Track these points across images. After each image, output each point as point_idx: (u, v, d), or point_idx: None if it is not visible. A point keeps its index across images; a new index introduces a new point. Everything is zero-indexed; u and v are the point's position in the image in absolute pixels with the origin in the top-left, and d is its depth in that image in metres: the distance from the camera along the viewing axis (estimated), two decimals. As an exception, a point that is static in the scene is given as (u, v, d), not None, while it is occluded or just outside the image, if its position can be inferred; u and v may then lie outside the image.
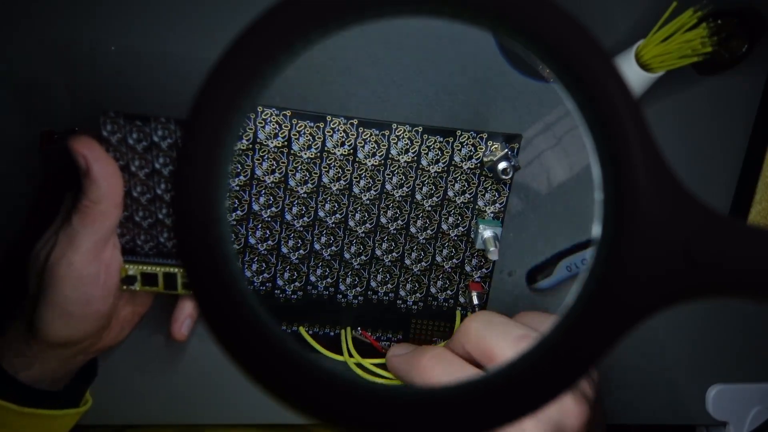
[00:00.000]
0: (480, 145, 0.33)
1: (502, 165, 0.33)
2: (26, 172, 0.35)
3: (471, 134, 0.33)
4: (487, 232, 0.34)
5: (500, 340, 0.28)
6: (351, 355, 0.36)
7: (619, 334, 0.14)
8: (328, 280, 0.35)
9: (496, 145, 0.33)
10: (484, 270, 0.36)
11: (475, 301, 0.36)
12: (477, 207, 0.34)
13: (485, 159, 0.33)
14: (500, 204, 0.35)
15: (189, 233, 0.14)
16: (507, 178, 0.33)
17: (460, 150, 0.33)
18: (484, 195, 0.34)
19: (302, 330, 0.36)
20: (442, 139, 0.33)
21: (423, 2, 0.14)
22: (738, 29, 0.36)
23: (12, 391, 0.32)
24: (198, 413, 0.41)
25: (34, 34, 0.34)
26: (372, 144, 0.33)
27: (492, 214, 0.35)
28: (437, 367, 0.30)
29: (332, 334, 0.36)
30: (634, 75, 0.33)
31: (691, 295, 0.15)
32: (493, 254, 0.34)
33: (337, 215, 0.34)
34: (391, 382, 0.35)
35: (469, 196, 0.34)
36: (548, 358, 0.14)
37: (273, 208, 0.34)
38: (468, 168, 0.34)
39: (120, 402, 0.39)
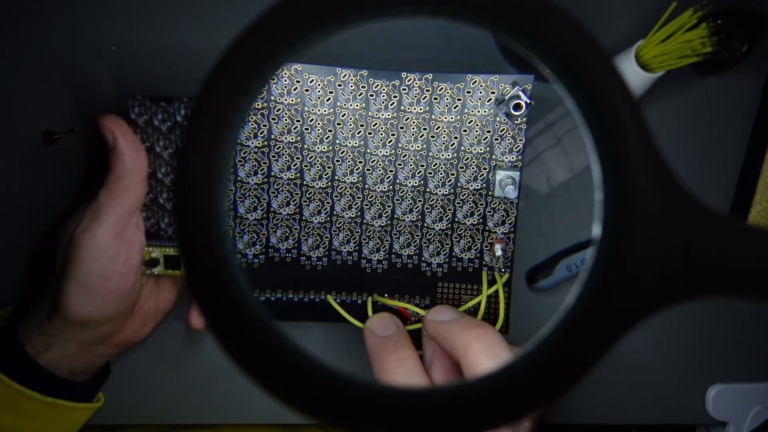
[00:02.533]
0: (492, 88, 0.33)
1: (514, 101, 0.32)
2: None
3: (482, 77, 0.33)
4: (502, 173, 0.34)
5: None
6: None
7: (619, 334, 0.14)
8: (351, 244, 0.35)
9: (507, 88, 0.33)
10: (507, 225, 0.35)
11: (498, 253, 0.35)
12: (494, 157, 0.34)
13: (497, 99, 0.33)
14: (517, 152, 0.34)
15: (189, 233, 0.14)
16: (519, 114, 0.32)
17: (471, 95, 0.33)
18: (500, 143, 0.34)
19: (330, 298, 0.36)
20: (452, 86, 0.33)
21: (423, 2, 0.14)
22: (738, 29, 0.36)
23: (35, 380, 0.32)
24: (198, 413, 0.41)
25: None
26: (383, 96, 0.33)
27: (510, 163, 0.34)
28: (485, 353, 0.28)
29: (359, 302, 0.36)
30: (634, 75, 0.33)
31: (691, 295, 0.15)
32: (510, 192, 0.33)
33: (355, 175, 0.34)
34: None
35: (485, 147, 0.34)
36: (549, 357, 0.14)
37: (292, 170, 0.34)
38: (481, 114, 0.33)
39: (119, 401, 0.39)
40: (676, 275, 0.14)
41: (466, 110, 0.33)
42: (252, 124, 0.33)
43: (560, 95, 0.15)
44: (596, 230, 0.15)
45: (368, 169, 0.34)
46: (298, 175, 0.34)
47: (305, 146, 0.34)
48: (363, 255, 0.35)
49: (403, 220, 0.35)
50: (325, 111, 0.33)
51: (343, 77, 0.33)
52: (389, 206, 0.35)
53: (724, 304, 0.41)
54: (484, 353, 0.27)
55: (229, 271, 0.14)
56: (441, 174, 0.34)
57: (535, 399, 0.14)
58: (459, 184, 0.34)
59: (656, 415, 0.43)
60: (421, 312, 0.35)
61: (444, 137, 0.34)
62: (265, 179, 0.34)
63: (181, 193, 0.14)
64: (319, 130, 0.33)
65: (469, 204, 0.35)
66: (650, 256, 0.14)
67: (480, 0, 0.14)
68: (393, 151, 0.34)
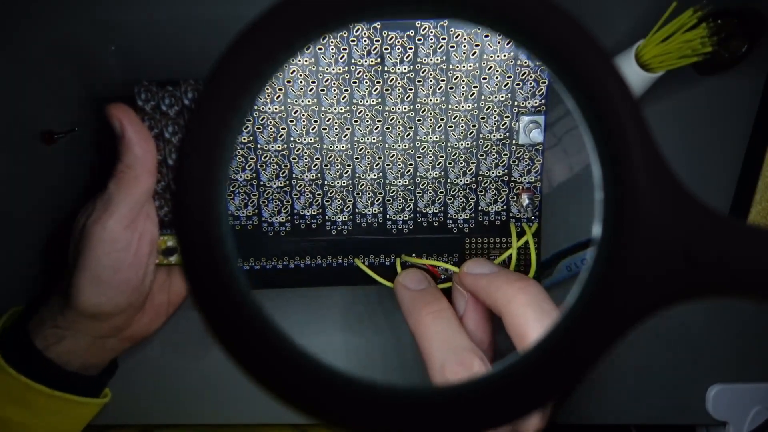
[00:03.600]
0: None
1: None
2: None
3: None
4: (526, 118, 0.33)
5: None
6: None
7: (619, 334, 0.14)
8: (375, 206, 0.35)
9: None
10: (533, 174, 0.34)
11: (526, 202, 0.34)
12: (516, 103, 0.33)
13: None
14: (540, 96, 0.33)
15: (188, 233, 0.14)
16: None
17: (490, 39, 0.32)
18: (522, 88, 0.33)
19: (358, 262, 0.35)
20: (469, 31, 0.32)
21: (423, 2, 0.14)
22: (738, 29, 0.36)
23: (43, 374, 0.32)
24: (198, 413, 0.41)
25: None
26: (399, 48, 0.32)
27: (533, 109, 0.33)
28: (532, 311, 0.27)
29: (388, 264, 0.36)
30: (634, 75, 0.33)
31: (691, 295, 0.15)
32: (536, 135, 0.33)
33: (374, 134, 0.34)
34: None
35: (506, 94, 0.33)
36: (549, 357, 0.14)
37: (311, 134, 0.33)
38: (501, 59, 0.32)
39: (119, 401, 0.39)
40: (676, 275, 0.14)
41: (484, 56, 0.33)
42: (268, 90, 0.33)
43: (560, 95, 0.15)
44: (596, 230, 0.15)
45: (387, 128, 0.34)
46: (318, 138, 0.34)
47: (322, 108, 0.33)
48: (388, 216, 0.35)
49: (426, 178, 0.34)
50: (340, 69, 0.33)
51: (356, 32, 0.32)
52: (411, 164, 0.34)
53: (724, 304, 0.41)
54: (530, 305, 0.27)
55: (229, 271, 0.14)
56: (462, 126, 0.34)
57: (535, 399, 0.14)
58: (481, 135, 0.34)
59: (656, 415, 0.43)
60: (453, 268, 0.35)
61: (463, 87, 0.33)
62: (285, 145, 0.34)
63: (181, 193, 0.14)
64: (335, 90, 0.33)
65: (493, 155, 0.34)
66: (650, 256, 0.14)
67: (480, 0, 0.14)
68: (411, 106, 0.33)
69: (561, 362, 0.14)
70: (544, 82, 0.33)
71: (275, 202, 0.34)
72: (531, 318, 0.27)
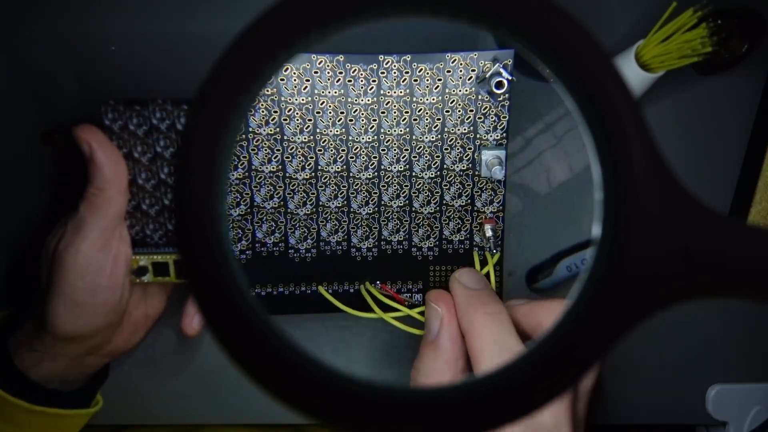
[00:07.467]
0: (472, 65, 0.32)
1: (495, 78, 0.32)
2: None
3: (461, 55, 0.32)
4: (488, 153, 0.33)
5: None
6: (384, 310, 0.35)
7: (619, 334, 0.14)
8: (340, 234, 0.35)
9: (488, 64, 0.32)
10: (496, 204, 0.35)
11: (489, 233, 0.35)
12: (478, 136, 0.34)
13: (478, 77, 0.32)
14: (502, 129, 0.34)
15: (189, 232, 0.14)
16: (501, 91, 0.32)
17: (452, 74, 0.33)
18: (483, 121, 0.33)
19: (321, 289, 0.35)
20: (432, 66, 0.32)
21: (423, 3, 0.14)
22: (738, 29, 0.36)
23: (23, 388, 0.32)
24: (198, 413, 0.41)
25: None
26: (362, 80, 0.32)
27: (495, 142, 0.34)
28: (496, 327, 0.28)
29: (352, 291, 0.36)
30: (634, 75, 0.33)
31: (691, 295, 0.15)
32: (497, 172, 0.33)
33: (339, 163, 0.34)
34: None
35: (469, 127, 0.33)
36: (549, 358, 0.14)
37: (273, 163, 0.33)
38: (463, 93, 0.33)
39: (119, 401, 0.39)
40: (676, 275, 0.14)
41: (447, 90, 0.33)
42: None
43: (560, 95, 0.15)
44: (596, 230, 0.15)
45: (351, 157, 0.34)
46: (280, 167, 0.34)
47: (285, 137, 0.33)
48: (352, 244, 0.35)
49: (391, 206, 0.35)
50: (302, 100, 0.33)
51: (319, 64, 0.32)
52: (375, 193, 0.34)
53: (724, 304, 0.41)
54: (490, 336, 0.28)
55: (229, 271, 0.14)
56: (426, 157, 0.34)
57: (535, 399, 0.14)
58: (445, 166, 0.34)
59: (656, 415, 0.43)
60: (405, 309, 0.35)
61: (427, 119, 0.33)
62: (246, 173, 0.33)
63: (181, 193, 0.14)
64: (298, 120, 0.33)
65: (456, 185, 0.35)
66: (650, 257, 0.14)
67: (480, 0, 0.14)
68: (375, 136, 0.34)
69: (561, 362, 0.14)
70: (505, 117, 0.34)
71: (236, 230, 0.34)
72: (487, 348, 0.27)
